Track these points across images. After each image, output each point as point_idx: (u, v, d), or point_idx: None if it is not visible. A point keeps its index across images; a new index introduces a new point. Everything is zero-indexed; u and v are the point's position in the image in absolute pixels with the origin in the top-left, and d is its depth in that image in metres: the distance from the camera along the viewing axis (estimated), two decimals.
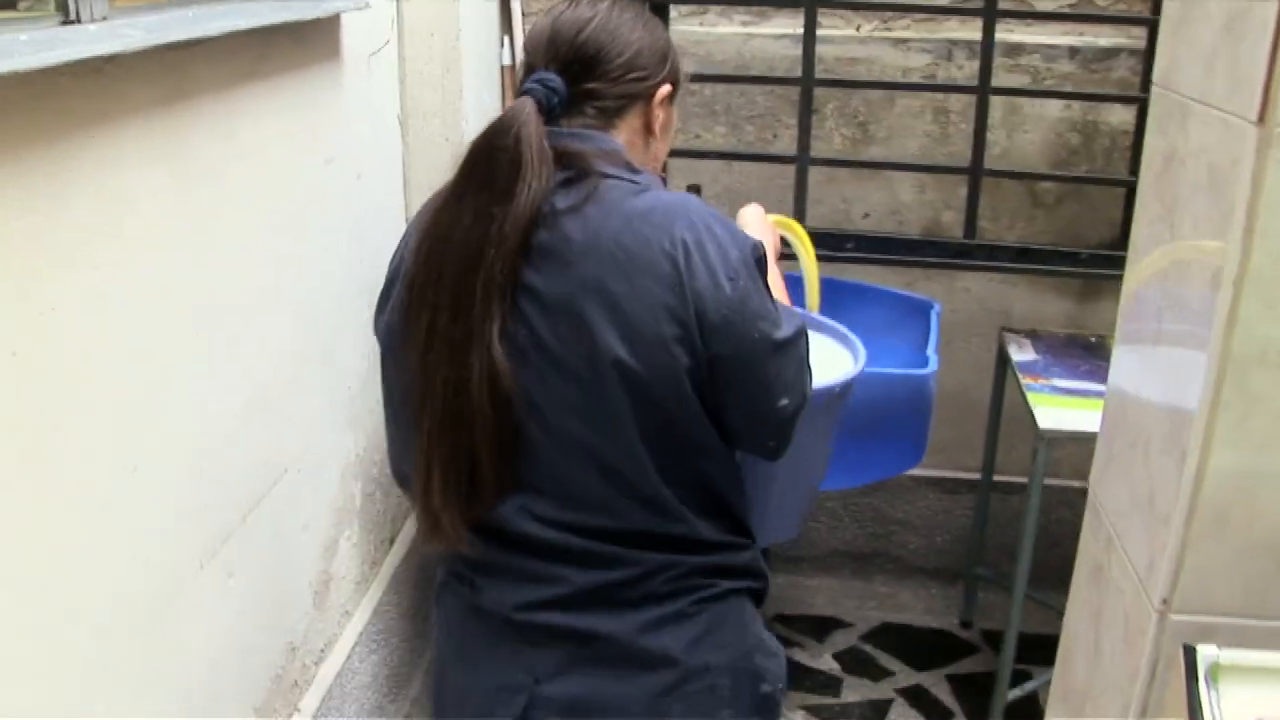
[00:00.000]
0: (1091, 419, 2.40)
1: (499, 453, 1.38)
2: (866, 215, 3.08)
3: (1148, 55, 2.65)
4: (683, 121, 2.96)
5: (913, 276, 2.89)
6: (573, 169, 1.37)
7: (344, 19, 2.27)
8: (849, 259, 2.77)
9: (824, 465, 1.99)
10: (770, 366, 1.37)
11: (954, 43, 2.93)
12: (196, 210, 1.69)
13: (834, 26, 2.96)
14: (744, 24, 2.98)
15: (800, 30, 2.71)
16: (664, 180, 1.81)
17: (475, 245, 1.33)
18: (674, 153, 2.76)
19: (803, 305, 2.16)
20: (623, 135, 1.45)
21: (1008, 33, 2.79)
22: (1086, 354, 2.80)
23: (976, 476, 3.16)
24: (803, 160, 2.74)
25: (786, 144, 3.02)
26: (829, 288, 2.71)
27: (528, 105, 1.36)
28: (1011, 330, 2.91)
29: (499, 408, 1.35)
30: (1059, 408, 2.49)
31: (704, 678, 1.46)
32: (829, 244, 2.74)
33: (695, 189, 2.99)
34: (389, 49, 2.57)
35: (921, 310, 2.72)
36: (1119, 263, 2.81)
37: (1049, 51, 2.92)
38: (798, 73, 2.75)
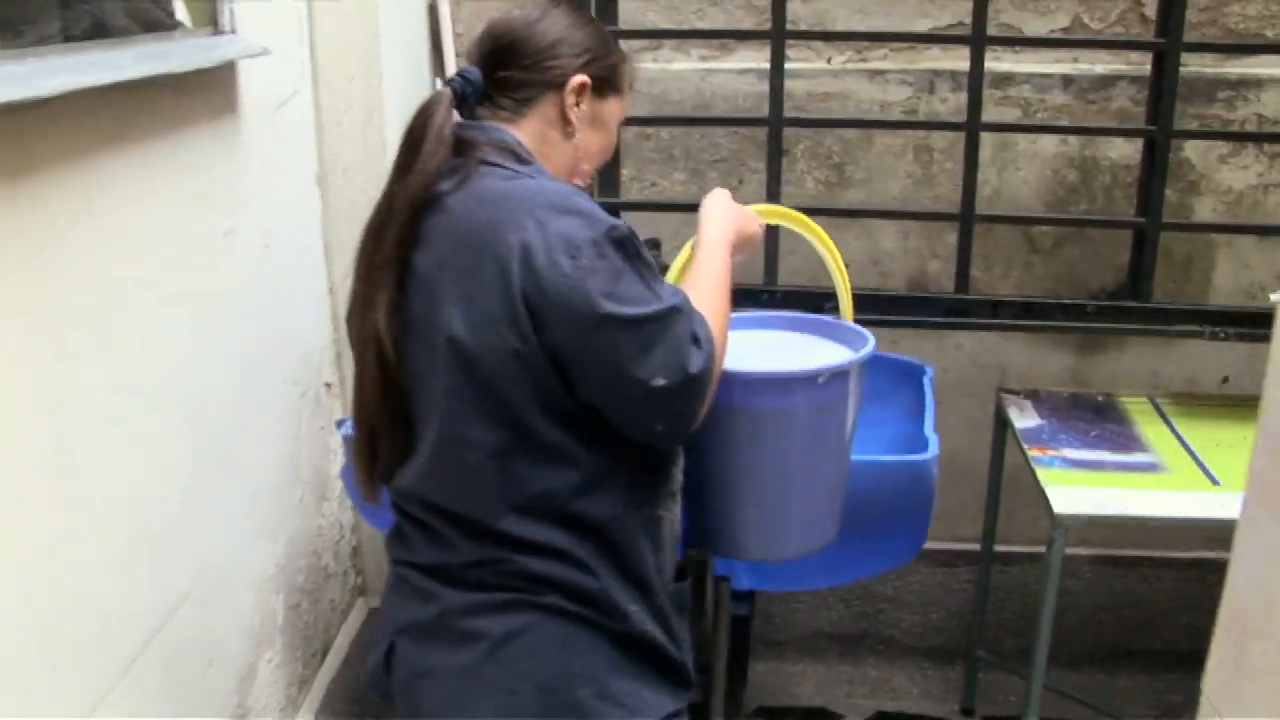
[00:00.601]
0: (1111, 499, 2.16)
1: (390, 415, 1.46)
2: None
3: (1154, 82, 2.37)
4: (638, 168, 2.67)
5: (899, 334, 2.59)
6: (463, 156, 1.44)
7: (242, 67, 1.97)
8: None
9: (833, 462, 1.81)
10: (624, 344, 1.34)
11: (936, 73, 2.65)
12: (47, 305, 1.39)
13: (803, 59, 2.67)
14: (703, 59, 2.68)
15: (766, 64, 2.41)
16: (590, 184, 1.69)
17: (380, 220, 1.44)
18: (628, 205, 2.47)
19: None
20: (533, 124, 1.51)
21: (995, 61, 2.50)
22: (1095, 417, 2.51)
23: (973, 547, 2.86)
24: None
25: (754, 190, 2.72)
26: None
27: (443, 94, 1.46)
28: (1009, 391, 2.62)
29: (384, 372, 1.43)
30: (1074, 485, 2.19)
31: (508, 677, 1.44)
32: (804, 303, 2.44)
33: (654, 244, 2.69)
34: (300, 98, 2.28)
35: (912, 375, 2.42)
36: (1129, 314, 2.57)
37: (1041, 81, 2.64)
38: (764, 111, 2.46)
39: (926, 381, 2.35)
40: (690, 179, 2.74)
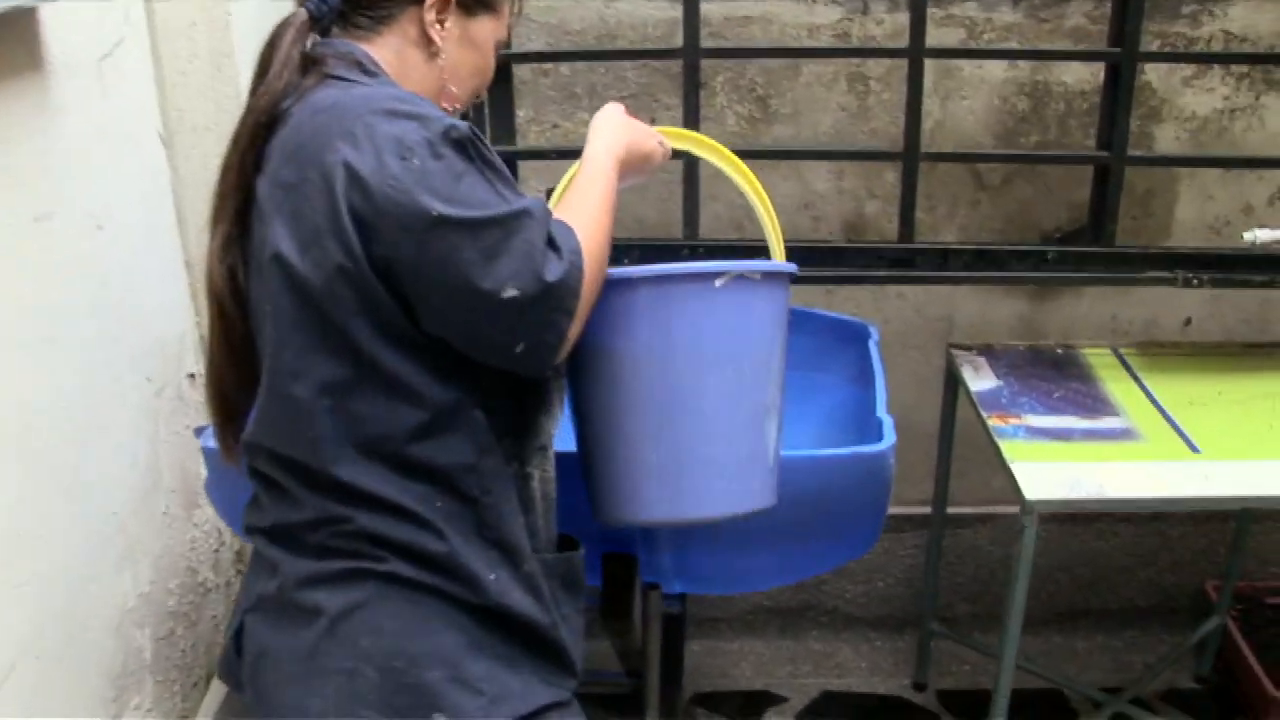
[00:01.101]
0: (1085, 476, 1.88)
1: (235, 365, 1.39)
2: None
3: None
4: (535, 109, 2.34)
5: (834, 284, 2.31)
6: (309, 74, 1.35)
7: (43, 14, 1.62)
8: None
9: (751, 398, 1.52)
10: (463, 250, 1.22)
11: None
12: None
13: None
14: None
15: None
16: (462, 109, 1.50)
17: (227, 154, 1.36)
18: (527, 153, 2.15)
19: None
20: (391, 42, 1.40)
21: None
22: (1056, 373, 2.26)
23: (921, 510, 2.63)
24: (690, 154, 2.12)
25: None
26: None
27: (295, 16, 1.38)
28: (960, 347, 2.36)
29: (222, 316, 1.37)
30: (1041, 461, 1.94)
31: (347, 657, 1.30)
32: (728, 256, 2.14)
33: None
34: (130, 48, 1.91)
35: (854, 337, 2.16)
36: (1090, 260, 2.30)
37: None
38: (676, 40, 2.14)
39: (872, 346, 2.08)
40: None
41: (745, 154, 2.32)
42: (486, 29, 1.46)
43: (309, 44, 1.37)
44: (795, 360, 2.18)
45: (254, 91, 1.35)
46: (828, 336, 2.20)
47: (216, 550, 2.26)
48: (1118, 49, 2.10)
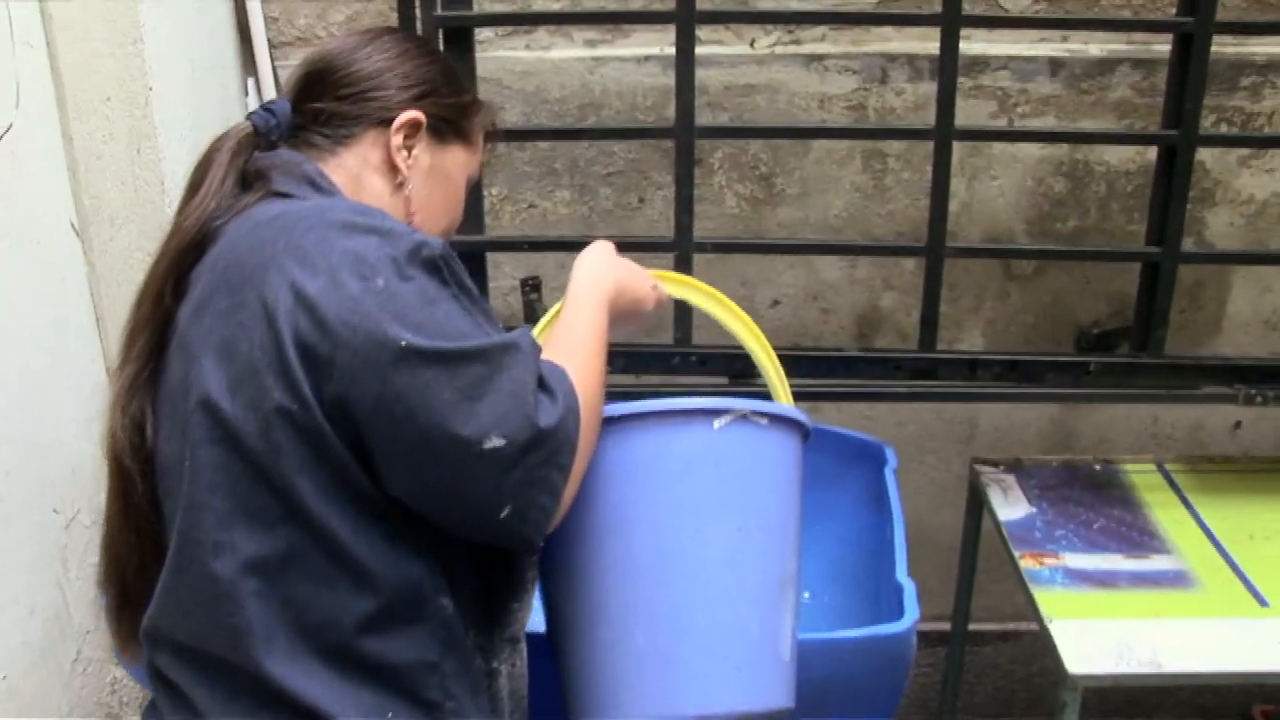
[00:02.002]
0: (1136, 640, 1.59)
1: (129, 529, 1.16)
2: (776, 304, 2.21)
3: (1175, 73, 1.82)
4: (510, 186, 2.07)
5: (846, 399, 2.04)
6: (249, 191, 1.18)
7: None
8: (762, 392, 1.89)
9: (774, 564, 1.27)
10: (437, 388, 1.02)
11: (889, 58, 2.06)
12: None
13: (720, 42, 2.07)
14: (590, 44, 2.07)
15: (671, 49, 1.82)
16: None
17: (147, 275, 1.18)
18: (496, 244, 1.88)
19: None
20: (349, 164, 1.23)
21: (965, 42, 1.91)
22: (1096, 497, 1.99)
23: (938, 627, 2.36)
24: (683, 245, 1.85)
25: (659, 210, 2.14)
26: None
27: (238, 128, 1.23)
28: (986, 463, 2.08)
29: (122, 476, 1.15)
30: (1085, 617, 1.67)
31: None
32: (725, 366, 1.88)
33: (532, 283, 2.10)
34: (31, 129, 1.66)
35: (869, 456, 1.89)
36: (1137, 373, 2.00)
37: (1022, 66, 2.07)
38: (669, 110, 1.87)
39: (889, 475, 1.81)
40: (577, 198, 2.14)
41: (745, 249, 2.08)
42: (459, 160, 1.32)
43: (248, 160, 1.21)
44: (806, 480, 1.93)
45: (181, 211, 1.18)
46: (839, 454, 1.93)
47: (141, 699, 2.00)
48: (1174, 130, 1.83)
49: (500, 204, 2.12)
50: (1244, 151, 2.13)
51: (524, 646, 1.24)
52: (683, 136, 1.82)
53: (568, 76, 2.06)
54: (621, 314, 1.31)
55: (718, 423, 1.23)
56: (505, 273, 2.14)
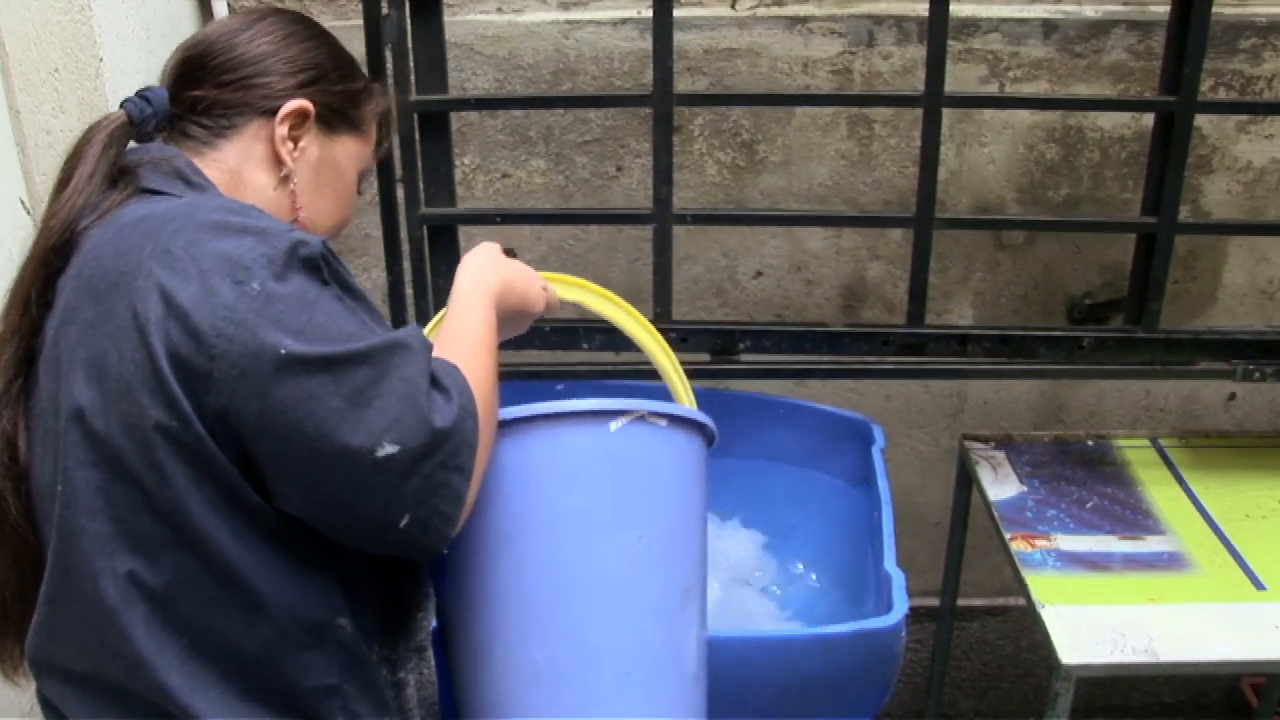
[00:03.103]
0: (1130, 627, 1.53)
1: (4, 555, 1.06)
2: (759, 274, 2.13)
3: (1174, 38, 1.74)
4: (483, 155, 1.99)
5: (830, 375, 1.97)
6: (116, 188, 1.08)
7: None
8: (745, 371, 1.83)
9: (677, 574, 1.21)
10: (324, 396, 0.95)
11: (876, 20, 1.98)
12: None
13: (700, 3, 1.98)
14: (564, 6, 1.98)
15: (648, 12, 1.73)
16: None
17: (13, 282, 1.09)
18: (468, 216, 1.80)
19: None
20: (229, 158, 1.15)
21: (955, 4, 1.82)
22: (1089, 474, 1.93)
23: (925, 603, 2.31)
24: (662, 218, 1.77)
25: (638, 179, 2.06)
26: (720, 404, 1.82)
27: (110, 120, 1.11)
28: (975, 439, 2.03)
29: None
30: (1078, 603, 1.62)
31: None
32: (707, 343, 1.81)
33: (509, 252, 2.02)
34: None
35: (856, 434, 1.83)
36: (1132, 348, 1.94)
37: (1014, 28, 1.99)
38: (647, 75, 1.78)
39: (877, 455, 1.75)
40: (553, 167, 2.06)
41: (727, 220, 2.01)
42: (350, 152, 1.24)
43: (120, 153, 1.11)
44: (791, 456, 1.88)
45: (49, 209, 1.09)
46: (824, 432, 1.87)
47: None
48: (1172, 96, 1.76)
49: (472, 174, 2.04)
50: (1242, 117, 2.06)
51: (431, 654, 1.20)
52: (661, 104, 1.73)
53: (541, 41, 1.97)
54: (509, 313, 1.25)
55: (614, 424, 1.17)
56: (479, 240, 2.07)
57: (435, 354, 1.06)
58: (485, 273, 1.24)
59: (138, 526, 0.99)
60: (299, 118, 1.17)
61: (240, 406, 0.96)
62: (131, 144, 1.14)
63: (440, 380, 1.02)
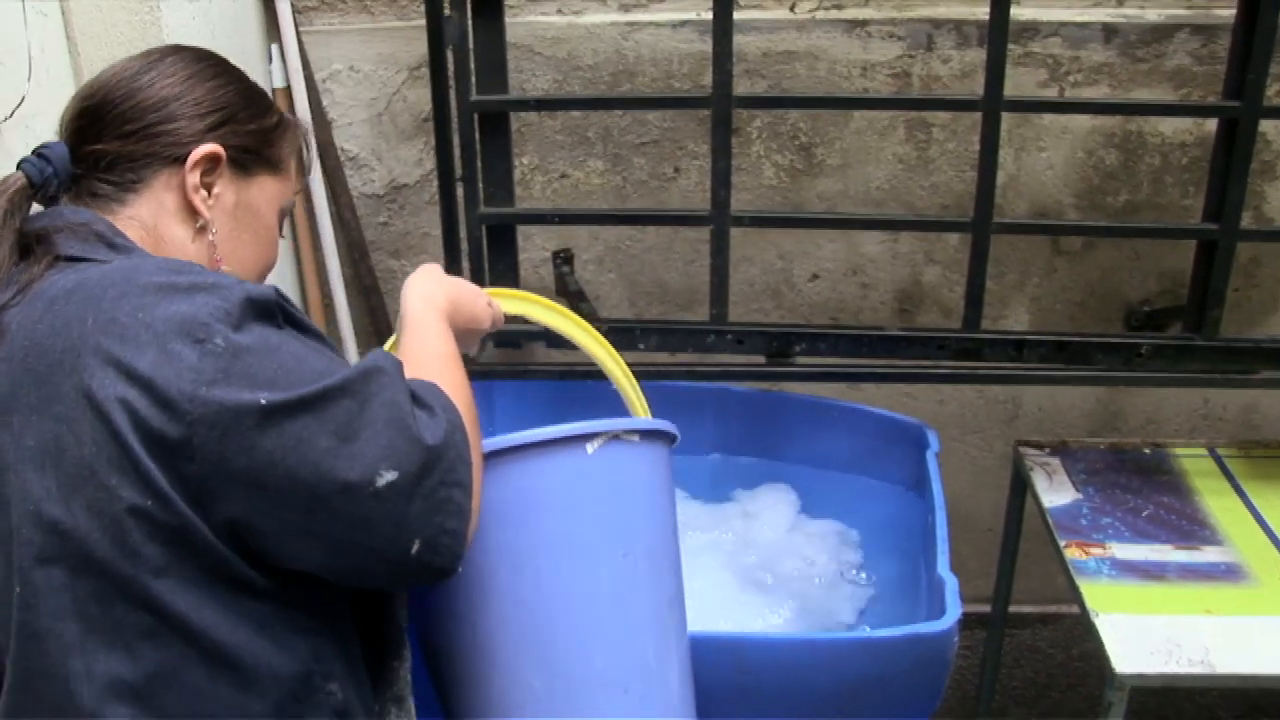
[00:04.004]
0: (1186, 639, 1.52)
1: None
2: (815, 278, 2.14)
3: (1240, 40, 1.72)
4: (541, 155, 2.01)
5: (886, 380, 1.97)
6: (30, 259, 1.02)
7: None
8: (799, 373, 1.83)
9: (664, 586, 1.24)
10: (311, 439, 0.92)
11: (935, 24, 1.98)
12: None
13: (759, 6, 1.99)
14: (624, 8, 2.00)
15: (708, 14, 1.73)
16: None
17: None
18: (526, 216, 1.82)
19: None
20: (142, 214, 1.09)
21: (1015, 8, 1.82)
22: (1145, 483, 1.91)
23: (976, 609, 2.29)
24: (719, 220, 1.78)
25: (694, 181, 2.07)
26: (774, 407, 1.83)
27: (8, 183, 1.04)
28: (1030, 444, 2.02)
29: None
30: (1134, 612, 1.60)
31: None
32: (763, 345, 1.82)
33: (564, 256, 2.05)
34: (49, 100, 1.61)
35: (910, 439, 1.83)
36: (1191, 355, 1.91)
37: (1074, 32, 1.98)
38: (706, 77, 1.79)
39: (930, 459, 1.75)
40: (610, 168, 2.07)
41: (786, 220, 2.01)
42: (269, 193, 1.16)
43: (25, 219, 1.05)
44: (842, 463, 1.88)
45: None
46: (879, 437, 1.88)
47: None
48: (1236, 102, 1.74)
49: (531, 174, 2.06)
50: None
51: (411, 703, 1.17)
52: (720, 106, 1.75)
53: (600, 42, 1.99)
54: (459, 330, 1.22)
55: (591, 446, 1.19)
56: (536, 244, 2.09)
57: (407, 376, 1.03)
58: (433, 291, 1.21)
59: (111, 618, 0.93)
60: (210, 163, 1.10)
61: (227, 469, 0.92)
62: (37, 208, 1.08)
63: (422, 399, 1.01)
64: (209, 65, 1.15)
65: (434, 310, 1.18)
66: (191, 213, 1.10)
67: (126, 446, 0.91)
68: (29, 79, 1.51)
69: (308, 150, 1.26)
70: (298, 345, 0.98)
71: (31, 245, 1.03)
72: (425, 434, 0.97)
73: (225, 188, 1.12)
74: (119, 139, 1.08)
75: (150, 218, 1.09)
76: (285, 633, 0.98)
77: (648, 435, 1.24)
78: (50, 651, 0.93)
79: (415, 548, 0.96)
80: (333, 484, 0.93)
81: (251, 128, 1.14)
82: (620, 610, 1.20)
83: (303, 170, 1.25)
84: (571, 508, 1.18)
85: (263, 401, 0.92)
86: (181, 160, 1.09)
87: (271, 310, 0.99)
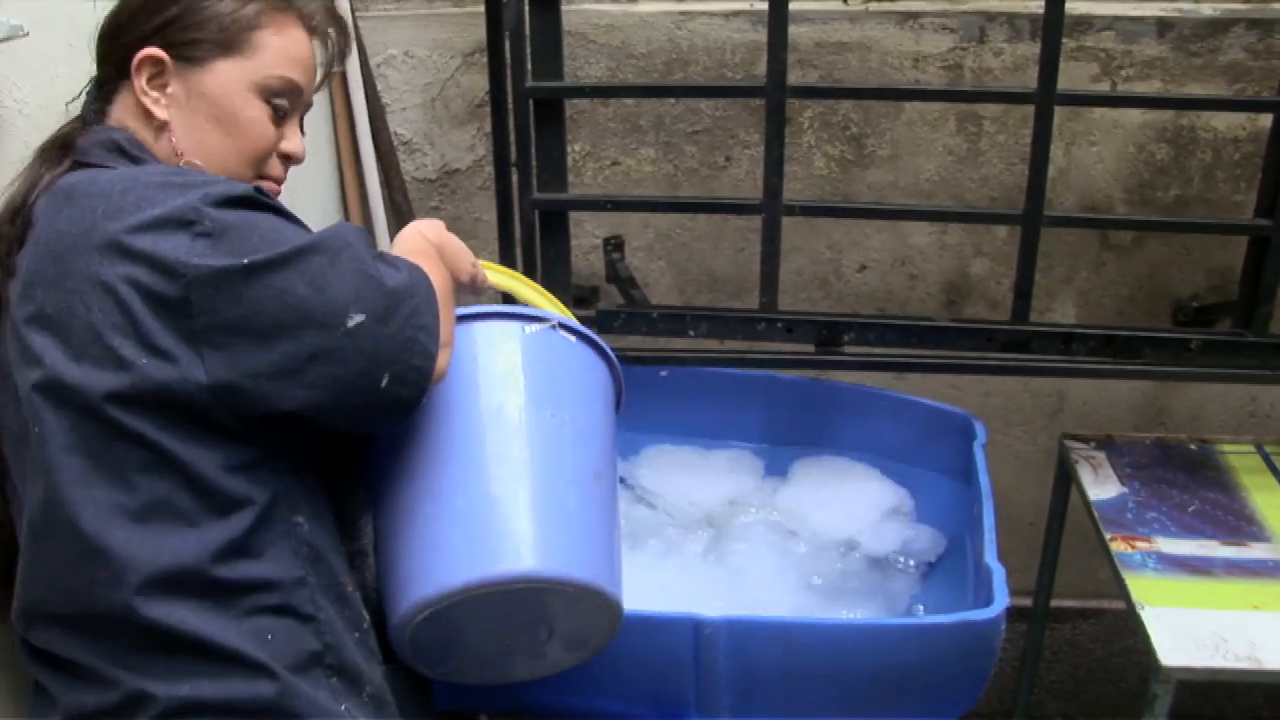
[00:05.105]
0: (1231, 632, 1.53)
1: None
2: (863, 268, 2.15)
3: None
4: (593, 142, 2.02)
5: (934, 370, 1.98)
6: (58, 162, 1.18)
7: None
8: (847, 362, 1.84)
9: (589, 456, 1.34)
10: (292, 288, 1.07)
11: (988, 16, 1.98)
12: None
13: None
14: None
15: (762, 4, 1.75)
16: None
17: None
18: (577, 202, 1.83)
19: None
20: (130, 123, 1.21)
21: (1069, 1, 1.82)
22: (1191, 479, 1.92)
23: (1019, 603, 2.29)
24: (771, 209, 1.80)
25: (745, 170, 2.08)
26: (822, 395, 1.84)
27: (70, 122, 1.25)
28: (1075, 438, 2.02)
29: None
30: (1179, 605, 1.61)
31: None
32: (812, 334, 1.83)
33: (615, 243, 2.06)
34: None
35: (957, 429, 1.83)
36: (1242, 351, 1.93)
37: (1128, 26, 1.98)
38: (759, 67, 1.81)
39: (978, 450, 1.75)
40: (662, 156, 2.09)
41: (837, 210, 2.02)
42: (231, 76, 1.20)
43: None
44: (889, 451, 1.89)
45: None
46: (927, 427, 1.88)
47: None
48: None
49: (583, 161, 2.08)
50: None
51: (373, 560, 1.29)
52: (774, 96, 1.76)
53: (654, 31, 2.00)
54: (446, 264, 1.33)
55: (529, 328, 1.35)
56: (587, 230, 2.10)
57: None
58: (425, 229, 1.33)
59: (112, 455, 1.07)
60: (155, 65, 1.19)
61: (223, 319, 1.06)
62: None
63: (388, 258, 1.16)
64: None
65: (421, 236, 1.31)
66: (149, 115, 1.20)
67: (129, 312, 1.05)
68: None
69: (310, 17, 1.28)
70: (275, 220, 1.11)
71: (62, 154, 1.18)
72: (387, 279, 1.11)
73: (177, 84, 1.20)
74: (101, 63, 1.23)
75: (133, 125, 1.21)
76: (260, 470, 1.12)
77: (583, 339, 1.39)
78: (60, 483, 1.06)
79: (385, 381, 1.10)
80: (312, 324, 1.07)
81: (192, 19, 1.19)
82: (546, 457, 1.28)
83: (315, 32, 1.28)
84: (509, 365, 1.33)
85: (246, 260, 1.05)
86: (125, 66, 1.20)
87: (251, 199, 1.11)
